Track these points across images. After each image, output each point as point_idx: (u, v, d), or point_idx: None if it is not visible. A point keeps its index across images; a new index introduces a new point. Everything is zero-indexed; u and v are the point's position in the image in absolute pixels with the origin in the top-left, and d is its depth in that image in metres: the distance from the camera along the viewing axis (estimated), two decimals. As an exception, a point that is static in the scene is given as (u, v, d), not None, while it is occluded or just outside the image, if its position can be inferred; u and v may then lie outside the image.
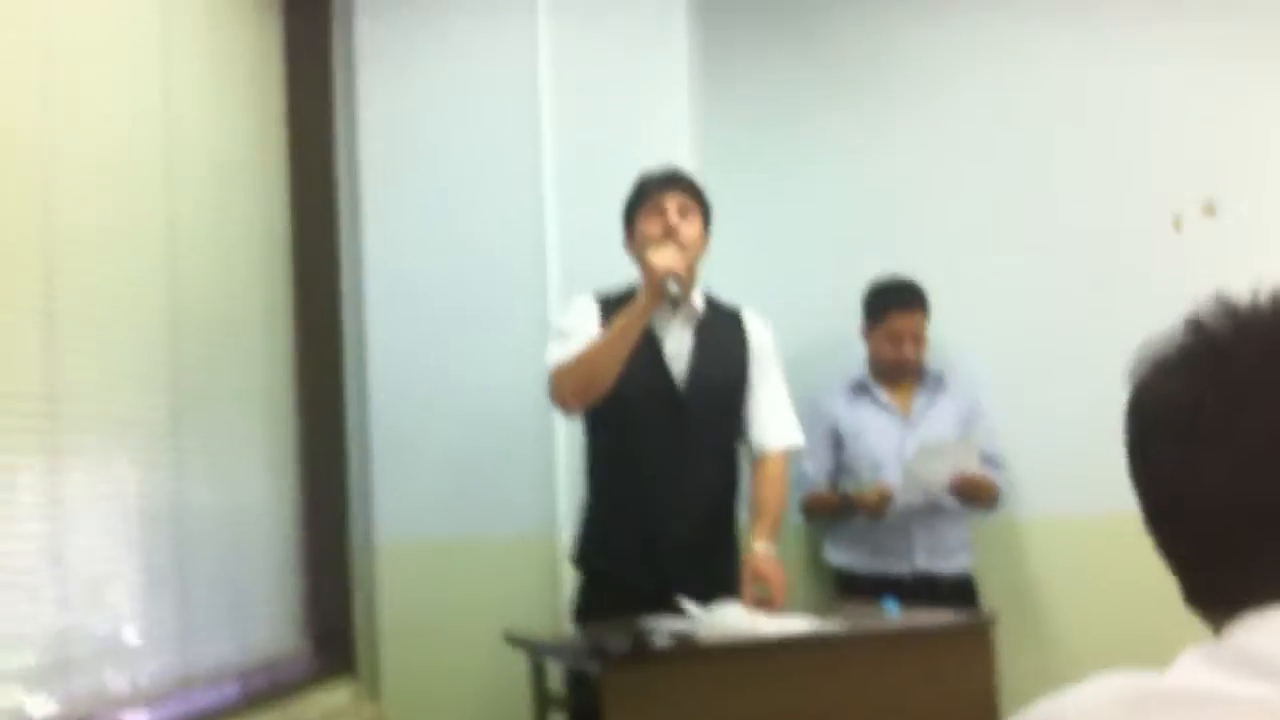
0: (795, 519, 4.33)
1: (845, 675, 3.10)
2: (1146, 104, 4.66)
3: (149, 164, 3.44)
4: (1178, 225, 4.60)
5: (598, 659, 3.03)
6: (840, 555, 4.39)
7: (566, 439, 4.20)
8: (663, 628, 3.16)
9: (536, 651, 3.47)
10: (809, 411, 4.39)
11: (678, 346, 3.64)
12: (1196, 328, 1.09)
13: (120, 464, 3.30)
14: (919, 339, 4.37)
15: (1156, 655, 1.04)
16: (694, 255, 3.58)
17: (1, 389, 2.81)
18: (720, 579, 3.56)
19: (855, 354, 4.50)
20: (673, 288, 3.40)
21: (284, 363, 4.18)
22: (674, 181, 3.67)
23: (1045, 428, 4.54)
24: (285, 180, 4.25)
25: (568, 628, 3.78)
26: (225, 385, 3.78)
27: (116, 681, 3.18)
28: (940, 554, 4.29)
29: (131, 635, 3.30)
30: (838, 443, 4.41)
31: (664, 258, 3.42)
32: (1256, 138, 4.64)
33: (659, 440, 3.57)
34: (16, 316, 2.86)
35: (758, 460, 3.73)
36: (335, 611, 4.25)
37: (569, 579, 4.04)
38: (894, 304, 4.35)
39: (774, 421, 3.73)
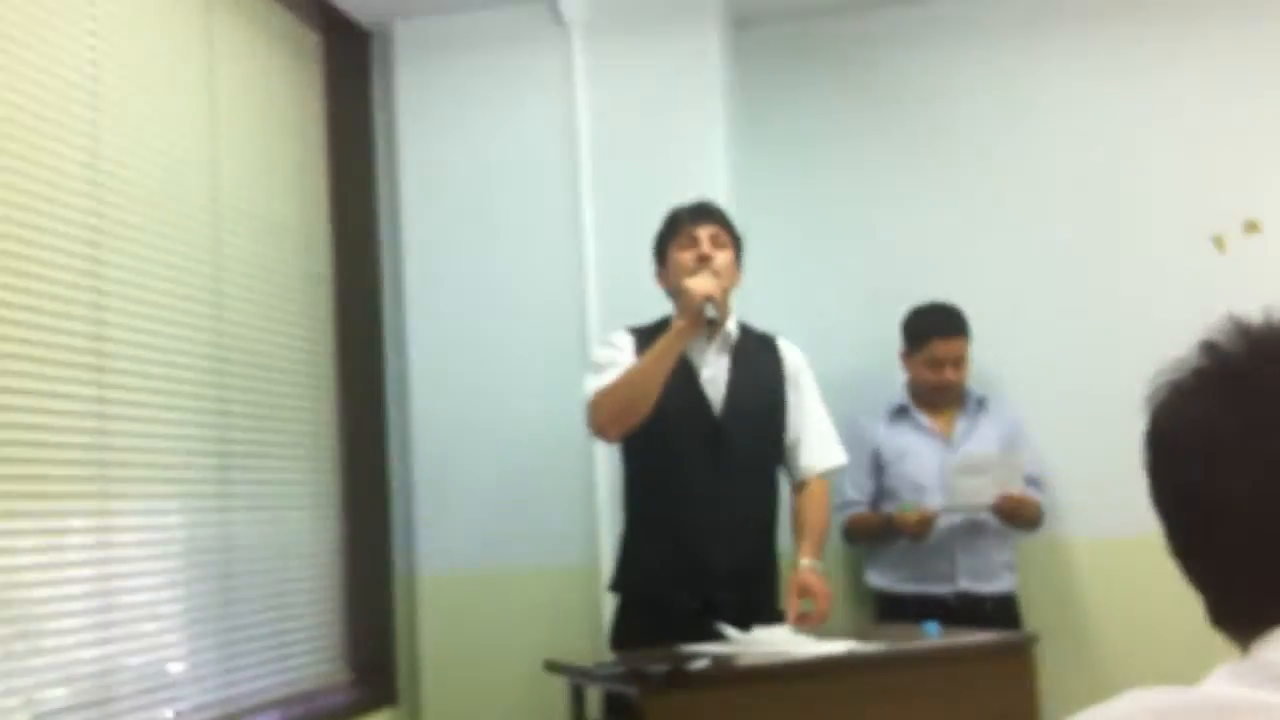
0: (837, 542, 4.30)
1: (885, 696, 3.07)
2: (1182, 128, 4.62)
3: (195, 218, 3.53)
4: (1220, 245, 4.55)
5: (637, 683, 3.02)
6: (882, 578, 4.36)
7: (606, 472, 4.21)
8: (701, 651, 3.15)
9: (575, 677, 3.45)
10: (850, 435, 4.37)
11: (713, 373, 3.66)
12: (1210, 350, 1.10)
13: (168, 504, 3.35)
14: (960, 364, 4.35)
15: (1201, 676, 1.04)
16: (727, 283, 3.62)
17: (54, 437, 2.88)
18: (760, 602, 3.59)
19: (895, 379, 4.48)
20: (710, 311, 3.46)
21: (328, 402, 4.23)
22: (706, 213, 3.71)
23: (1090, 449, 4.49)
24: (328, 229, 4.32)
25: (607, 656, 3.77)
26: (271, 426, 3.85)
27: (160, 713, 3.20)
28: (984, 575, 4.26)
29: (176, 668, 3.33)
30: (879, 466, 4.39)
31: (701, 283, 3.48)
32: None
33: (698, 466, 3.58)
34: (68, 369, 2.93)
35: (801, 481, 3.76)
36: (377, 643, 4.26)
37: (609, 610, 4.04)
38: (935, 330, 4.33)
39: (817, 443, 3.77)
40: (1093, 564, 4.53)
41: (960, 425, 4.39)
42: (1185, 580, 1.11)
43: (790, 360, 3.79)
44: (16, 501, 2.79)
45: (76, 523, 3.00)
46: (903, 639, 3.47)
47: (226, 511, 3.59)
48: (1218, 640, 1.07)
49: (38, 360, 2.85)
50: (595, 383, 3.57)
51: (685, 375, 3.59)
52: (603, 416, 3.53)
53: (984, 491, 4.14)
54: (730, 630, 3.29)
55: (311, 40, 4.38)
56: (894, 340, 4.43)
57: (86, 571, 3.01)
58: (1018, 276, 4.65)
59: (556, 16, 4.47)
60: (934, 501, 4.21)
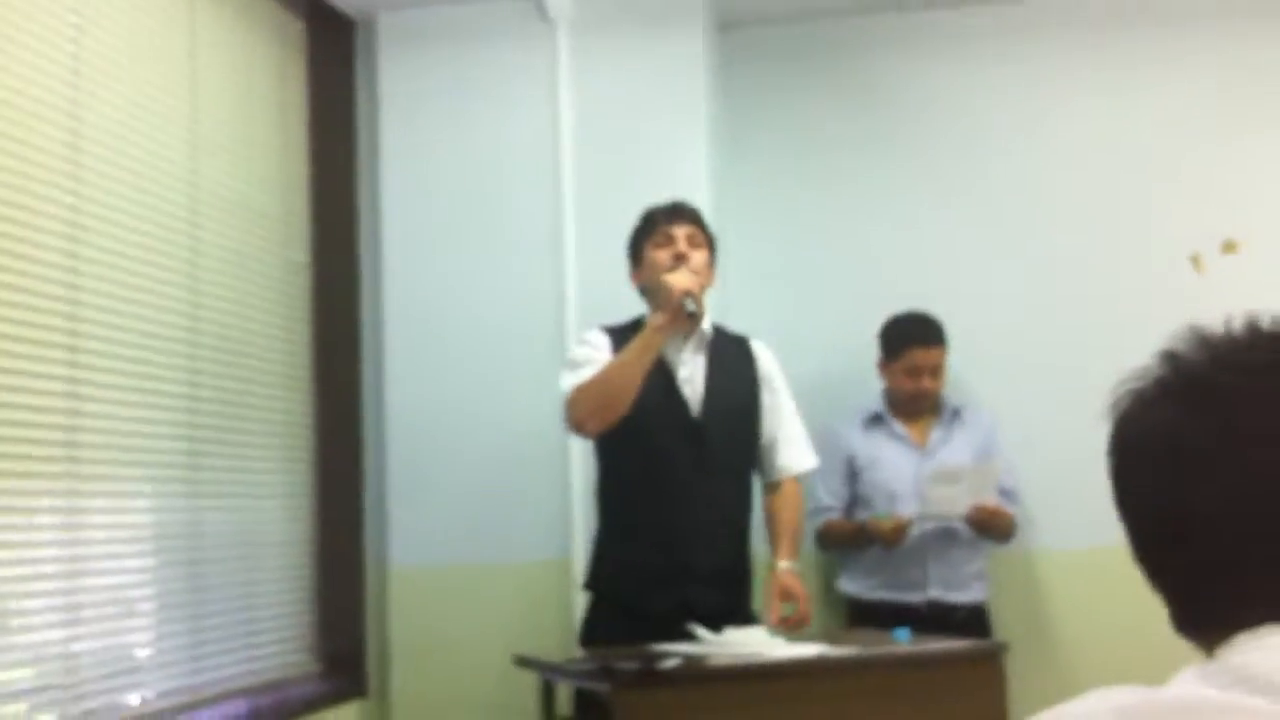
0: (809, 548, 4.31)
1: (855, 700, 3.08)
2: (1163, 148, 4.65)
3: (174, 203, 3.52)
4: (1198, 264, 4.58)
5: (608, 680, 3.02)
6: (854, 585, 4.37)
7: (581, 468, 4.21)
8: (673, 651, 3.16)
9: (546, 673, 3.45)
10: (825, 442, 4.39)
11: (690, 372, 3.67)
12: (1172, 359, 1.11)
13: (138, 489, 3.34)
14: (937, 373, 4.36)
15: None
16: (704, 283, 3.63)
17: (25, 418, 2.86)
18: (737, 603, 3.62)
19: (870, 387, 4.49)
20: (690, 305, 3.47)
21: (303, 391, 4.22)
22: (682, 213, 3.73)
23: (1063, 461, 4.50)
24: (308, 218, 4.31)
25: (578, 652, 3.77)
26: (244, 414, 3.83)
27: (126, 699, 3.19)
28: (955, 585, 4.27)
29: (143, 654, 3.32)
30: (853, 473, 4.40)
31: (680, 279, 3.50)
32: (1273, 172, 4.63)
33: (677, 465, 3.59)
34: (42, 349, 2.91)
35: (774, 482, 3.79)
36: (347, 634, 4.25)
37: (581, 606, 4.04)
38: (915, 339, 4.34)
39: (792, 445, 3.80)
40: (1064, 576, 4.56)
41: (935, 434, 4.41)
42: (1150, 586, 1.12)
43: (764, 361, 3.81)
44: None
45: (46, 504, 2.98)
46: (874, 645, 3.48)
47: (197, 498, 3.58)
48: (1184, 653, 1.08)
49: (11, 339, 2.83)
50: (573, 379, 3.57)
51: (662, 375, 3.59)
52: (582, 411, 3.53)
53: (958, 501, 4.15)
54: (702, 631, 3.30)
55: (295, 28, 4.37)
56: (871, 348, 4.44)
57: (54, 552, 2.99)
58: (995, 289, 4.67)
59: (542, 13, 4.47)
60: (907, 509, 4.23)
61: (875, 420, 4.44)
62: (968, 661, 3.32)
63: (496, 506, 4.34)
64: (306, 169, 4.35)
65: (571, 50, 4.46)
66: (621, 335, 3.65)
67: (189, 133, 3.61)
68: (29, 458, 2.91)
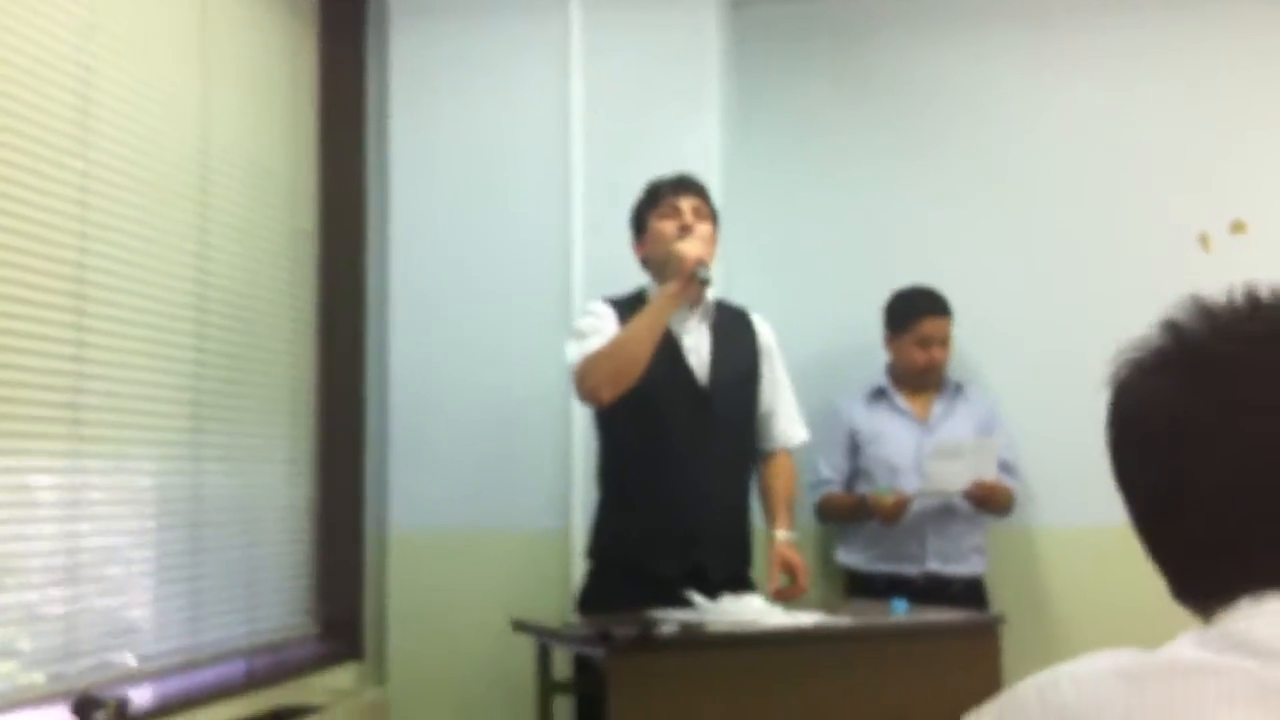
0: (808, 520, 4.32)
1: (852, 670, 3.09)
2: (1172, 127, 4.63)
3: (184, 168, 3.51)
4: (1205, 244, 4.57)
5: (604, 645, 3.03)
6: (851, 556, 4.38)
7: (582, 439, 4.21)
8: (670, 618, 3.17)
9: (542, 638, 3.46)
10: (827, 416, 4.41)
11: (695, 342, 3.69)
12: (1172, 329, 1.10)
13: (141, 451, 3.34)
14: (946, 344, 4.38)
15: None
16: (710, 253, 3.65)
17: (31, 379, 2.87)
18: (741, 566, 3.68)
19: (873, 363, 4.50)
20: (703, 273, 3.51)
21: (307, 357, 4.23)
22: (688, 185, 3.74)
23: (1062, 438, 4.51)
24: (315, 184, 4.31)
25: (575, 618, 3.78)
26: (248, 378, 3.84)
27: (125, 659, 3.20)
28: (953, 558, 4.28)
29: (143, 615, 3.33)
30: (855, 447, 4.41)
31: (692, 247, 3.54)
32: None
33: (684, 434, 3.61)
34: (47, 311, 2.91)
35: (769, 453, 3.84)
36: (345, 598, 4.27)
37: (579, 573, 4.05)
38: (925, 310, 4.35)
39: (787, 418, 3.86)
40: (1062, 552, 4.56)
41: (937, 409, 4.42)
42: (1150, 557, 1.12)
43: (763, 334, 3.86)
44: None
45: (48, 464, 2.99)
46: (871, 615, 3.50)
47: (200, 461, 3.58)
48: (1179, 630, 1.07)
49: (18, 301, 2.83)
50: (582, 348, 3.58)
51: (669, 344, 3.61)
52: (596, 379, 3.52)
53: (958, 477, 4.16)
54: (699, 598, 3.31)
55: (308, -3, 4.35)
56: (874, 325, 4.45)
57: (56, 512, 2.99)
58: (999, 267, 4.67)
59: (555, -14, 4.46)
60: (908, 483, 4.24)
61: (878, 395, 4.45)
62: (965, 633, 3.34)
63: (497, 474, 4.35)
64: (315, 138, 4.35)
65: (583, 24, 4.45)
66: (623, 307, 3.67)
67: (199, 100, 3.61)
68: (34, 418, 2.91)
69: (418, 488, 4.36)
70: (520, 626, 3.52)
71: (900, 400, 4.42)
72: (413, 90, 4.50)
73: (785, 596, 3.58)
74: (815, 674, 3.06)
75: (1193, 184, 4.61)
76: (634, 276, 3.80)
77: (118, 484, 3.26)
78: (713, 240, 3.69)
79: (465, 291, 4.41)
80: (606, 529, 3.74)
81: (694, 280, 3.51)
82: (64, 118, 3.00)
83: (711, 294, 3.71)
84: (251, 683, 3.62)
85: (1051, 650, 4.36)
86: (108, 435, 3.17)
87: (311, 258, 4.29)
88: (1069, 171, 4.68)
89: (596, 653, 3.11)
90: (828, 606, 3.60)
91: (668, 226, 3.65)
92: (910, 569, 4.25)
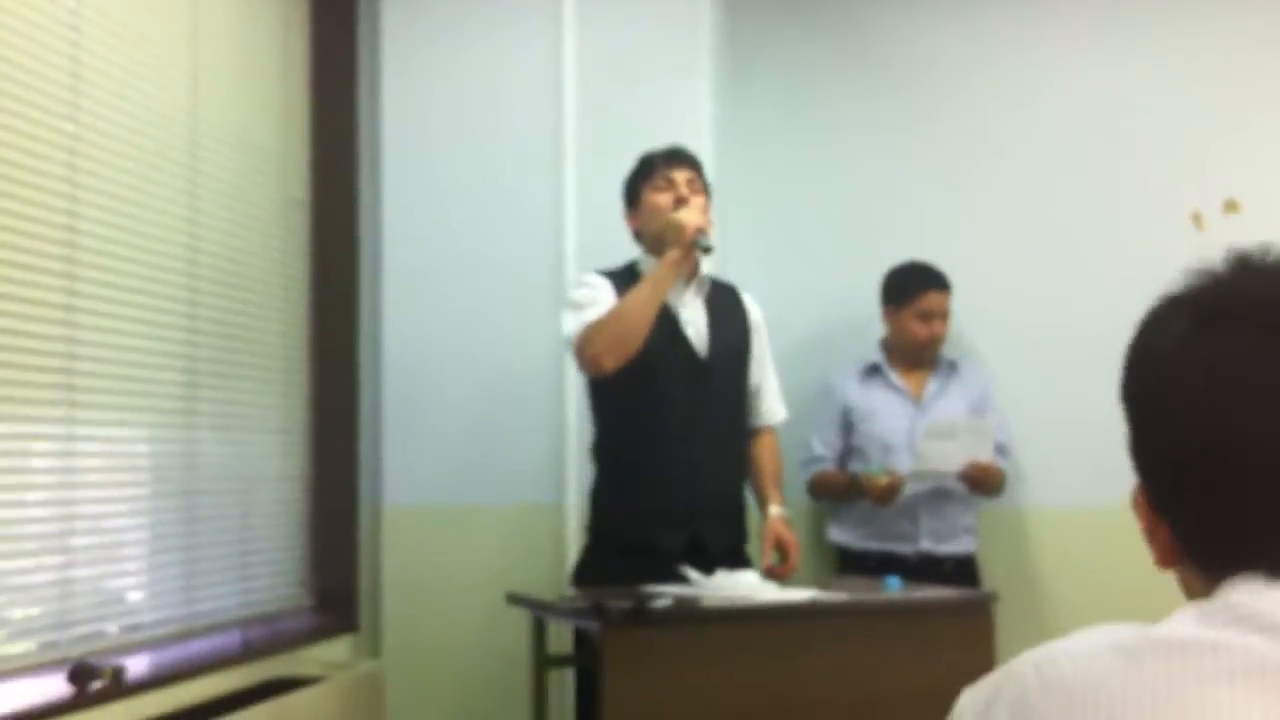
0: (799, 497, 4.33)
1: (846, 646, 3.11)
2: (1166, 106, 4.64)
3: (175, 133, 3.49)
4: (1199, 223, 4.58)
5: (599, 618, 3.04)
6: (844, 534, 4.39)
7: (577, 411, 4.21)
8: (665, 591, 3.18)
9: (537, 611, 3.47)
10: (821, 392, 4.41)
11: (692, 315, 3.70)
12: (1215, 282, 1.07)
13: (134, 418, 3.34)
14: (946, 318, 4.39)
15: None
16: (707, 224, 3.65)
17: (23, 344, 2.86)
18: (738, 539, 3.71)
19: (868, 340, 4.50)
20: (704, 241, 3.53)
21: (300, 327, 4.22)
22: (681, 158, 3.75)
23: (1054, 419, 4.54)
24: (307, 154, 4.29)
25: (570, 592, 3.79)
26: (241, 347, 3.83)
27: (119, 629, 3.20)
28: (945, 537, 4.30)
29: (136, 583, 3.33)
30: (848, 424, 4.41)
31: (692, 216, 3.56)
32: (1274, 134, 4.63)
33: (684, 406, 3.63)
34: (38, 277, 2.90)
35: (757, 430, 3.86)
36: (340, 571, 4.27)
37: (574, 548, 4.06)
38: (928, 284, 4.36)
39: (773, 395, 3.89)
40: (1052, 532, 4.58)
41: (931, 387, 4.42)
42: (1161, 515, 1.08)
43: (754, 311, 3.88)
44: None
45: (40, 432, 2.98)
46: (865, 591, 3.51)
47: (193, 430, 3.57)
48: (1166, 611, 1.04)
49: (9, 265, 2.82)
50: (580, 318, 3.58)
51: (666, 317, 3.62)
52: (598, 347, 3.52)
53: (953, 458, 4.17)
54: (693, 573, 3.32)
55: (299, -36, 4.33)
56: (868, 301, 4.45)
57: (49, 479, 2.99)
58: (992, 245, 4.68)
59: (548, -42, 4.44)
60: (900, 461, 4.24)
61: (872, 371, 4.45)
62: (960, 611, 3.35)
63: (491, 447, 4.35)
64: (308, 105, 4.32)
65: (577, -3, 4.43)
66: (616, 279, 3.67)
67: (190, 68, 3.58)
68: (26, 384, 2.90)
69: (412, 461, 4.36)
70: (515, 600, 3.53)
71: (895, 377, 4.43)
72: (405, 59, 4.48)
73: (775, 574, 3.59)
74: (810, 649, 3.07)
75: (1187, 163, 4.62)
76: (627, 249, 3.80)
77: (111, 452, 3.26)
78: (708, 213, 3.69)
79: (458, 264, 4.40)
80: (607, 503, 3.74)
81: (694, 248, 3.52)
82: (55, 81, 2.97)
83: (705, 268, 3.72)
84: (246, 654, 3.62)
85: (1042, 629, 4.36)
86: (101, 403, 3.16)
87: (304, 228, 4.27)
88: (1064, 148, 4.68)
89: (591, 626, 3.12)
90: (822, 583, 3.62)
91: (662, 199, 3.66)
92: (904, 548, 4.26)
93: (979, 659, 3.09)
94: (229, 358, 3.75)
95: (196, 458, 3.58)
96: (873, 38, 4.80)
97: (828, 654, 3.08)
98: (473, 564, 4.27)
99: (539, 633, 3.49)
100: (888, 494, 4.16)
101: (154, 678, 3.14)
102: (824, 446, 4.41)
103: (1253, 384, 1.02)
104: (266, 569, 3.96)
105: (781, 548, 3.67)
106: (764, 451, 3.84)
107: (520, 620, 3.56)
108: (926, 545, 4.27)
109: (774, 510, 3.73)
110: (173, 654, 3.35)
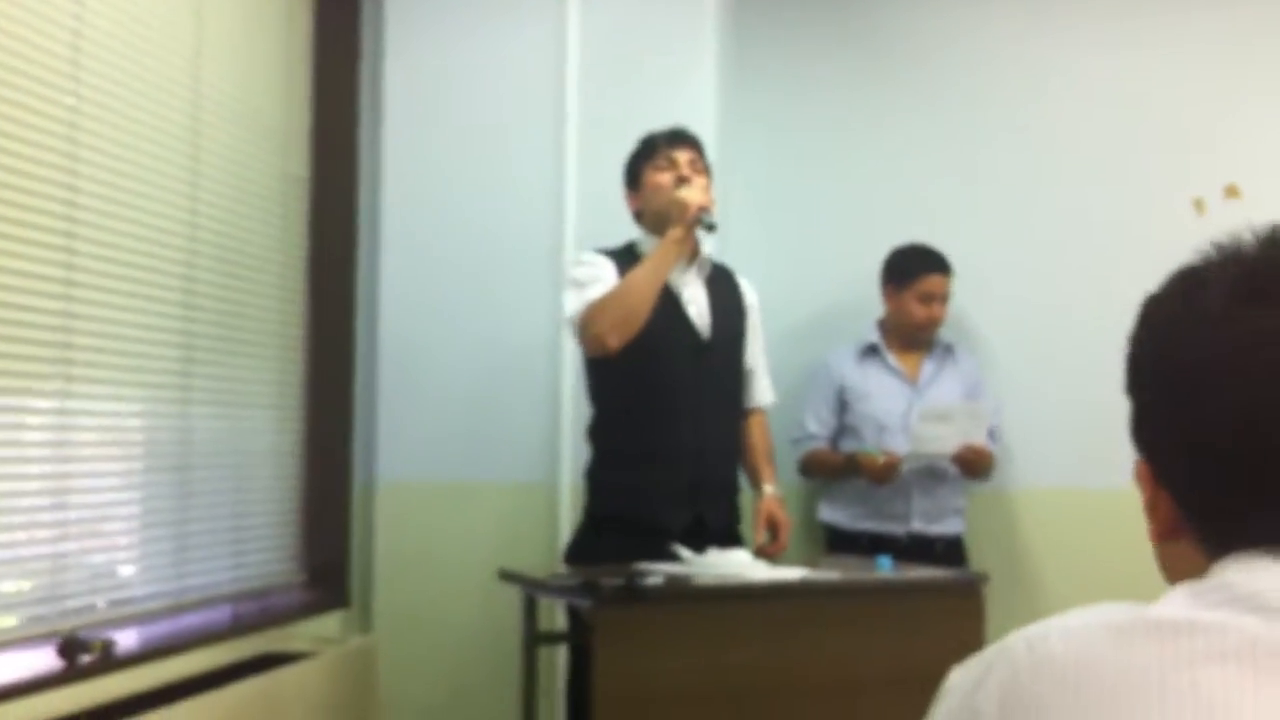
0: (790, 476, 4.33)
1: (837, 625, 3.11)
2: (1167, 92, 4.63)
3: (176, 108, 3.48)
4: (1200, 208, 4.57)
5: (591, 596, 3.03)
6: (835, 514, 4.39)
7: (572, 389, 4.21)
8: (657, 570, 3.17)
9: (529, 588, 3.47)
10: (816, 371, 4.41)
11: (694, 295, 3.71)
12: (1242, 254, 1.04)
13: (130, 393, 3.33)
14: (946, 301, 4.40)
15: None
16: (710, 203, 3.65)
17: (20, 318, 2.85)
18: (734, 519, 3.73)
19: (865, 318, 4.50)
20: (708, 218, 3.54)
21: (297, 303, 4.21)
22: (683, 138, 3.74)
23: (1045, 403, 4.54)
24: (308, 129, 4.27)
25: (563, 569, 3.79)
26: (238, 322, 3.82)
27: (111, 603, 3.20)
28: (936, 518, 4.31)
29: (129, 557, 3.33)
30: (843, 403, 4.41)
31: (694, 194, 3.56)
32: (1276, 120, 4.61)
33: (687, 384, 3.63)
34: (37, 250, 2.89)
35: (749, 411, 3.87)
36: (332, 546, 4.26)
37: (567, 526, 4.06)
38: (930, 266, 4.37)
39: (765, 378, 3.90)
40: (1040, 512, 4.59)
41: (927, 369, 4.42)
42: (1161, 481, 1.06)
43: (748, 293, 3.88)
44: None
45: (36, 405, 2.98)
46: (857, 571, 3.51)
47: (188, 404, 3.57)
48: (1153, 591, 1.03)
49: (7, 239, 2.81)
50: (583, 296, 3.58)
51: (668, 297, 3.62)
52: (602, 325, 3.51)
53: (947, 441, 4.18)
54: (685, 551, 3.32)
55: (301, -60, 4.31)
56: (867, 282, 4.45)
57: (44, 453, 2.99)
58: (991, 229, 4.68)
59: (552, -64, 4.42)
60: (894, 442, 4.25)
61: (869, 351, 4.45)
62: (950, 591, 3.36)
63: (486, 425, 4.35)
64: (309, 83, 4.31)
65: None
66: (616, 258, 3.67)
67: (191, 41, 3.57)
68: (21, 357, 2.89)
69: (406, 436, 4.36)
70: (507, 577, 3.52)
71: (892, 359, 4.43)
72: (408, 35, 4.46)
73: (765, 554, 3.59)
74: (801, 628, 3.07)
75: (1189, 148, 4.61)
76: (628, 229, 3.79)
77: (107, 425, 3.26)
78: (709, 193, 3.68)
79: (457, 240, 4.39)
80: (608, 483, 3.72)
81: (697, 226, 3.53)
82: (56, 56, 2.97)
83: (706, 248, 3.72)
84: (237, 628, 3.62)
85: (1029, 610, 4.37)
86: (96, 377, 3.16)
87: (303, 203, 4.26)
88: (1065, 133, 4.68)
89: (583, 604, 3.12)
90: (813, 563, 3.63)
91: (664, 178, 3.66)
92: (895, 528, 4.27)
93: (969, 639, 3.10)
94: (225, 333, 3.75)
95: (191, 432, 3.58)
96: (876, 21, 4.79)
97: (820, 633, 3.08)
98: (465, 541, 4.27)
99: (530, 610, 3.49)
100: (886, 473, 4.17)
101: (144, 652, 3.14)
102: (818, 424, 4.41)
103: (1264, 357, 0.99)
104: (259, 544, 3.96)
105: (773, 527, 3.68)
106: (756, 431, 3.85)
107: (512, 597, 3.56)
108: (918, 526, 4.28)
109: (768, 489, 3.75)
110: (163, 628, 3.35)
